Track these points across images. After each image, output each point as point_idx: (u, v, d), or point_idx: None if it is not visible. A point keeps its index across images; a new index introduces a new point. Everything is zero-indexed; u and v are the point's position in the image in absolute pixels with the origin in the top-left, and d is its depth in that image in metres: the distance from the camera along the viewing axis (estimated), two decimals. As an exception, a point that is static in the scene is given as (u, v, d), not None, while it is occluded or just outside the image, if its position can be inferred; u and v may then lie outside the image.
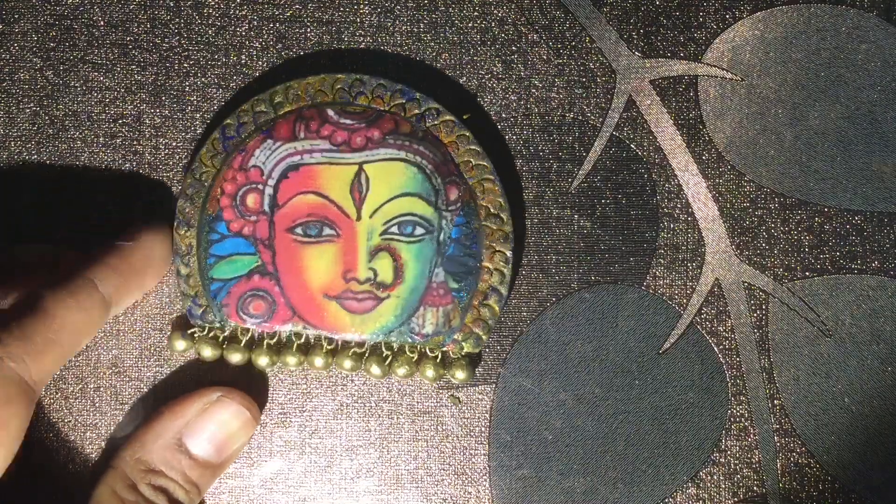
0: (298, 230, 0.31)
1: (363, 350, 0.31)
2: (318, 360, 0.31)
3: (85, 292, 0.28)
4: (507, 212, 0.31)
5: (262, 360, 0.31)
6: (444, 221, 0.31)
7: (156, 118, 0.33)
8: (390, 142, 0.31)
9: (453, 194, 0.31)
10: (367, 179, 0.31)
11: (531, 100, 0.34)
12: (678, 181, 0.34)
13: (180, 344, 0.31)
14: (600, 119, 0.34)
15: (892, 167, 0.34)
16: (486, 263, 0.31)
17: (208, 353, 0.31)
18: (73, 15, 0.33)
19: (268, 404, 0.33)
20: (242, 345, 0.31)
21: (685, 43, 0.34)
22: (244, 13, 0.33)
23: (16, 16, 0.33)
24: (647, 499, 0.33)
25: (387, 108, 0.31)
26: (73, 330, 0.28)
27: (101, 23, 0.33)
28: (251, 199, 0.31)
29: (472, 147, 0.31)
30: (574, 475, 0.33)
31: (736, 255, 0.34)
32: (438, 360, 0.31)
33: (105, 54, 0.33)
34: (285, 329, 0.31)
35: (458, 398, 0.33)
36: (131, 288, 0.30)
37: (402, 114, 0.31)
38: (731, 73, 0.34)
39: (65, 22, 0.33)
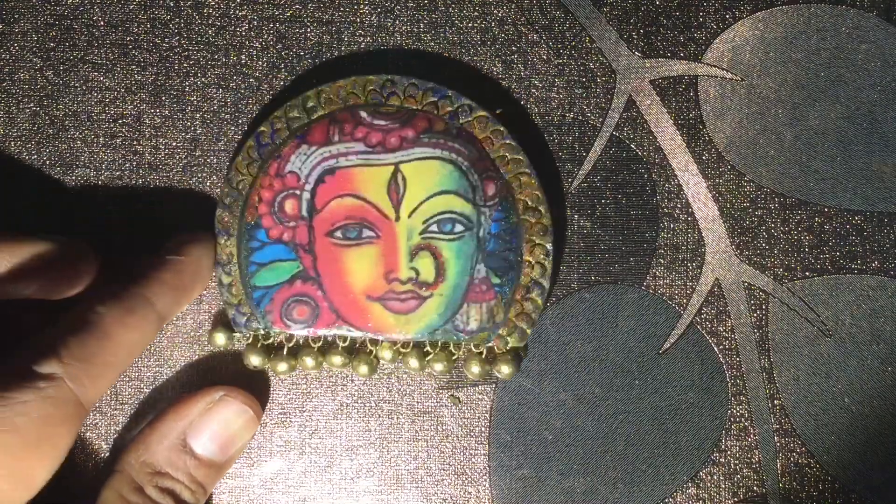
0: (338, 233, 0.31)
1: (407, 350, 0.32)
2: (363, 368, 0.32)
3: (142, 312, 0.29)
4: (545, 205, 0.31)
5: (309, 362, 0.32)
6: (482, 217, 0.31)
7: (156, 118, 0.33)
8: (425, 140, 0.31)
9: (491, 189, 0.31)
10: (404, 179, 0.31)
11: (531, 100, 0.34)
12: (678, 181, 0.34)
13: (221, 338, 0.32)
14: (600, 119, 0.34)
15: (892, 167, 0.34)
16: (526, 257, 0.31)
17: (257, 361, 0.32)
18: (73, 15, 0.33)
19: (268, 404, 0.33)
20: (286, 353, 0.32)
21: (685, 43, 0.34)
22: (244, 13, 0.33)
23: (16, 16, 0.33)
24: (647, 499, 0.33)
25: (419, 107, 0.32)
26: (129, 350, 0.28)
27: (101, 23, 0.33)
28: (289, 205, 0.31)
29: (507, 142, 0.31)
30: (574, 475, 0.33)
31: (736, 255, 0.34)
32: (484, 356, 0.32)
33: (105, 54, 0.33)
34: (330, 333, 0.31)
35: (458, 398, 0.33)
36: (181, 303, 0.31)
37: (435, 112, 0.32)
38: (731, 73, 0.34)
39: (65, 22, 0.33)
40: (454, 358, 0.32)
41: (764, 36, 0.34)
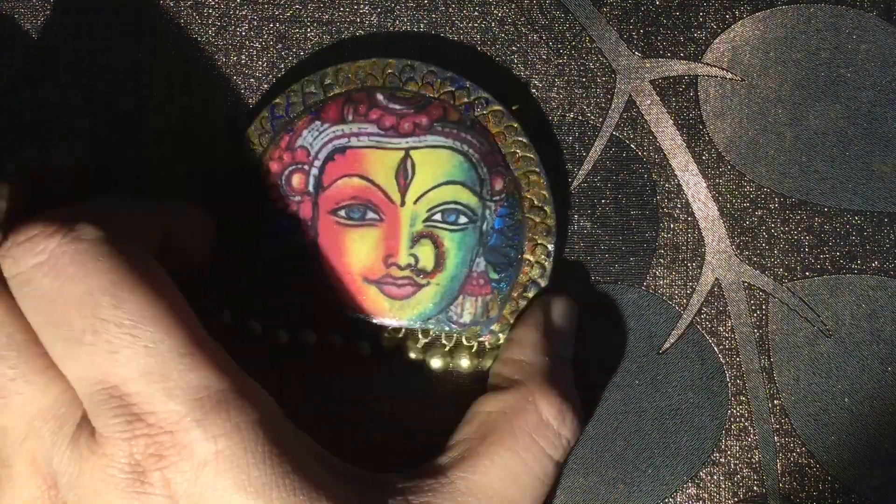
0: (342, 213, 0.31)
1: (400, 336, 0.32)
2: (364, 347, 0.31)
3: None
4: (551, 205, 0.31)
5: (311, 337, 0.31)
6: (487, 211, 0.31)
7: (156, 118, 0.33)
8: (438, 129, 0.31)
9: (498, 184, 0.31)
10: (413, 165, 0.31)
11: (531, 100, 0.34)
12: (678, 181, 0.34)
13: (227, 316, 0.32)
14: (600, 119, 0.34)
15: (892, 167, 0.34)
16: (527, 256, 0.31)
17: (258, 329, 0.31)
18: (73, 14, 0.33)
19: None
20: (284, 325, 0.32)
21: (685, 43, 0.34)
22: (244, 13, 0.33)
23: (15, 15, 0.33)
24: (647, 499, 0.33)
25: (436, 96, 0.31)
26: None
27: (102, 23, 0.33)
28: (296, 180, 0.31)
29: (520, 138, 0.31)
30: (574, 475, 0.33)
31: (736, 255, 0.34)
32: (474, 351, 0.32)
33: (105, 54, 0.33)
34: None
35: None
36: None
37: (452, 101, 0.31)
38: (731, 73, 0.34)
39: (65, 22, 0.33)
40: (448, 350, 0.31)
41: (764, 36, 0.34)
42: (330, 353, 0.32)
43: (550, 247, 0.31)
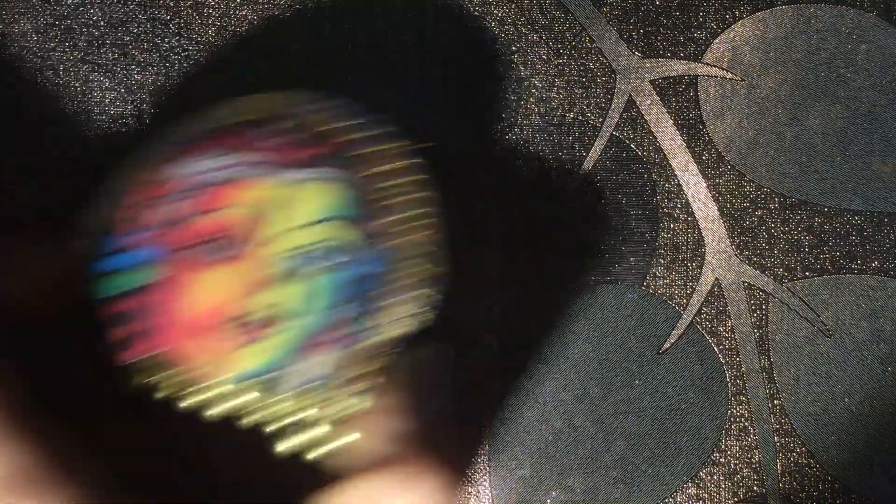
0: (199, 248, 0.27)
1: (238, 389, 0.27)
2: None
3: None
4: (437, 252, 0.28)
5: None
6: (364, 253, 0.27)
7: (156, 118, 0.33)
8: (324, 163, 0.28)
9: (378, 227, 0.27)
10: (289, 200, 0.27)
11: (531, 100, 0.34)
12: (678, 181, 0.34)
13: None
14: (600, 119, 0.34)
15: (892, 167, 0.34)
16: (401, 307, 0.27)
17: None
18: (73, 15, 0.33)
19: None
20: None
21: (685, 43, 0.34)
22: (244, 13, 0.34)
23: (16, 16, 0.33)
24: (647, 499, 0.33)
25: (330, 130, 0.28)
26: None
27: (101, 23, 0.33)
28: (160, 211, 0.28)
29: (414, 178, 0.28)
30: (574, 475, 0.33)
31: (736, 255, 0.34)
32: (325, 415, 0.27)
33: (105, 54, 0.33)
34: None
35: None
36: None
37: (345, 136, 0.28)
38: (731, 73, 0.34)
39: (65, 22, 0.33)
40: (281, 409, 0.27)
41: (764, 36, 0.34)
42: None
43: (428, 298, 0.27)
